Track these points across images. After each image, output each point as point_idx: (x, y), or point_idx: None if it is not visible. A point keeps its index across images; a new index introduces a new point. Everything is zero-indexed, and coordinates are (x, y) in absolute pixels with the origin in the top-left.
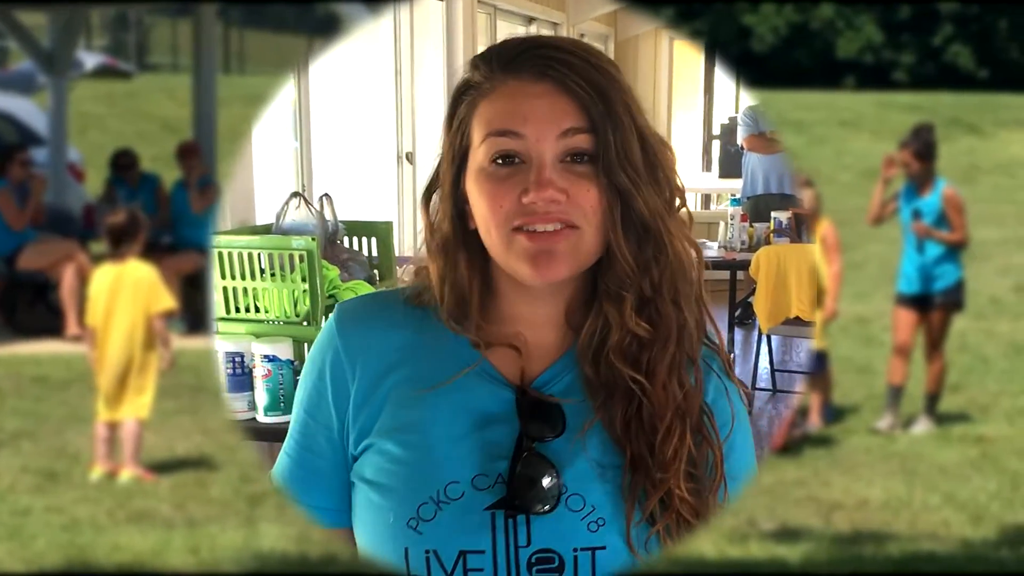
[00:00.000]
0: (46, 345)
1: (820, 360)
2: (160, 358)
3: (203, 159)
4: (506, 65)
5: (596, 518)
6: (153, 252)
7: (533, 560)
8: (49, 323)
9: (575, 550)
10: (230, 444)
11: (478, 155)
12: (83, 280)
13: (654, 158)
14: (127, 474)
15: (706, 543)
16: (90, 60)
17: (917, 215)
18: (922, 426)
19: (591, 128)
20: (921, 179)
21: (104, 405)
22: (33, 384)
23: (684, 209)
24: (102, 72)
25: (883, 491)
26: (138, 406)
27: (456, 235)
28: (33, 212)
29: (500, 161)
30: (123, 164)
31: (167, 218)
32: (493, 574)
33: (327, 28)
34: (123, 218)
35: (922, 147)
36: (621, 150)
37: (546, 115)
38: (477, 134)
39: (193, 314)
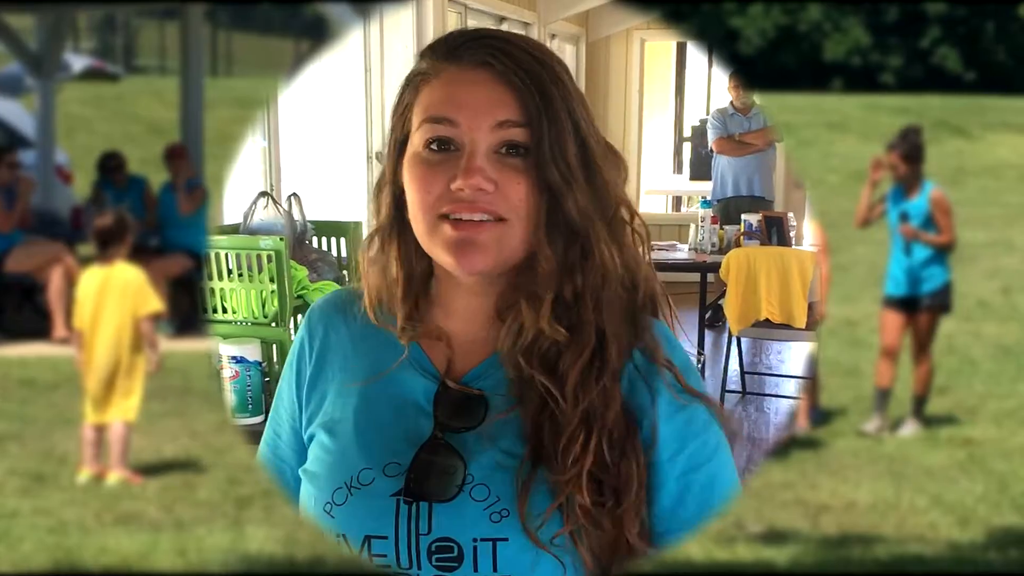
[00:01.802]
0: (33, 347)
1: (808, 362)
2: (147, 360)
3: (190, 161)
4: (448, 53)
5: (500, 509)
6: (140, 254)
7: (433, 548)
8: (36, 325)
9: (475, 540)
10: (218, 446)
11: (414, 140)
12: (71, 282)
13: (592, 161)
14: (114, 476)
15: (693, 545)
16: (77, 62)
17: (904, 217)
18: (909, 428)
19: (527, 122)
20: (908, 181)
21: (91, 407)
22: (20, 386)
23: (637, 220)
24: (89, 74)
25: (870, 493)
26: (125, 408)
27: (392, 223)
28: (21, 214)
29: (434, 147)
30: (110, 166)
31: (154, 220)
32: (396, 560)
33: (314, 31)
34: (110, 220)
35: (909, 149)
36: (556, 146)
37: (481, 104)
38: (415, 120)
39: (181, 316)
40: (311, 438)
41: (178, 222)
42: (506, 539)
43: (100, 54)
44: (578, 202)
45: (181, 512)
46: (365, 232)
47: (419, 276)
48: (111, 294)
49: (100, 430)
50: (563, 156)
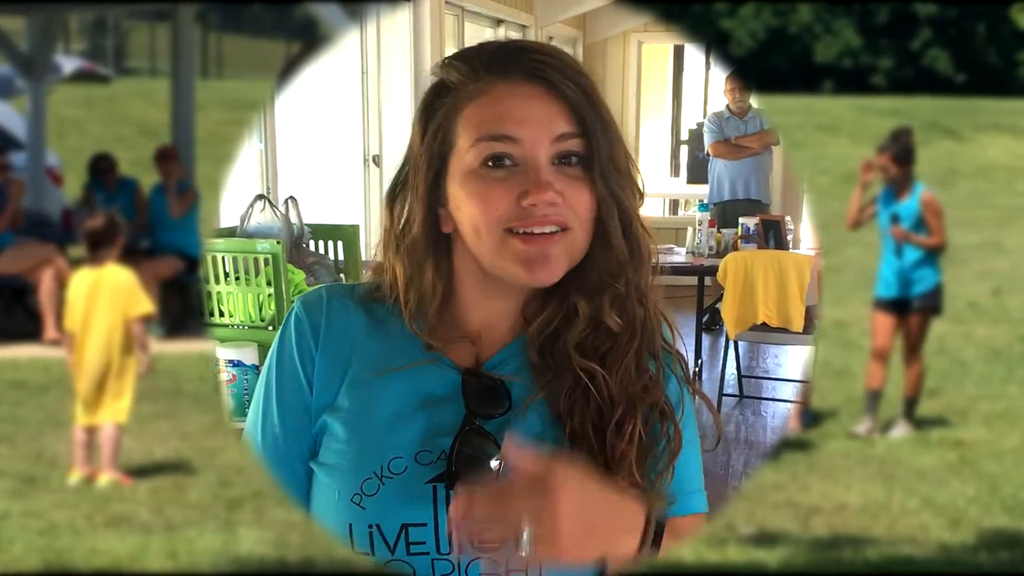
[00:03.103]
0: (24, 349)
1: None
2: (138, 362)
3: (181, 163)
4: (492, 67)
5: None
6: (131, 256)
7: None
8: (27, 327)
9: None
10: (208, 448)
11: (467, 158)
12: (61, 284)
13: (630, 159)
14: (105, 478)
15: (684, 547)
16: (68, 64)
17: (895, 219)
18: (900, 430)
19: (583, 132)
20: (899, 183)
21: (82, 409)
22: (11, 388)
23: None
24: (80, 76)
25: (861, 495)
26: (116, 410)
27: (427, 239)
28: (11, 216)
29: (491, 163)
30: (101, 168)
31: (145, 222)
32: (435, 547)
33: (305, 32)
34: (101, 222)
35: (900, 151)
36: (610, 154)
37: (540, 119)
38: (464, 137)
39: (171, 318)
40: (321, 427)
41: (169, 224)
42: None
43: (91, 56)
44: (630, 203)
45: (172, 514)
46: (363, 235)
47: (448, 288)
48: (102, 296)
49: (91, 432)
50: (615, 162)
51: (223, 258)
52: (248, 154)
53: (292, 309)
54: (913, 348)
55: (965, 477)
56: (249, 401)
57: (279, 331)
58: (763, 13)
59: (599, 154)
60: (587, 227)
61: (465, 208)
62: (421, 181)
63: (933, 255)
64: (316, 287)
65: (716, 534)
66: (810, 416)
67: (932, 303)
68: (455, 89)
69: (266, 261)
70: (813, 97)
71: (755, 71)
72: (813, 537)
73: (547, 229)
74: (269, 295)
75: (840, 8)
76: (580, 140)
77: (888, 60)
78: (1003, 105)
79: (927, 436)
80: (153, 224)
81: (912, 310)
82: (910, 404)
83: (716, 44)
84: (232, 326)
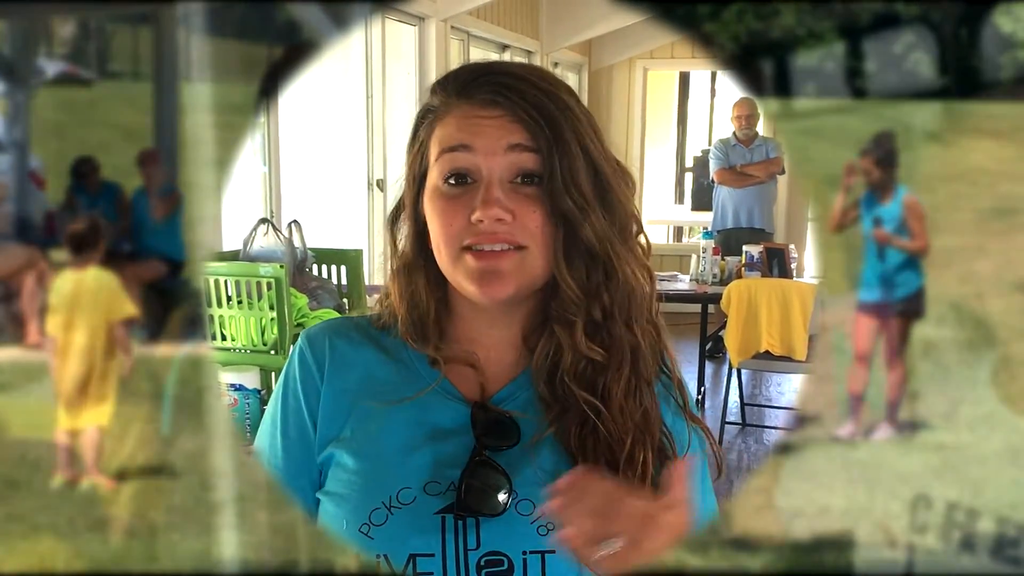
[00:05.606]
0: (6, 352)
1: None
2: (121, 366)
3: (164, 167)
4: (460, 90)
5: (546, 522)
6: (114, 260)
7: (482, 563)
8: (9, 331)
9: (524, 553)
10: (191, 451)
11: (433, 175)
12: (44, 287)
13: (605, 183)
14: (88, 482)
15: (665, 552)
16: (51, 68)
17: (878, 223)
18: (883, 433)
19: (538, 149)
20: (882, 187)
21: (65, 413)
22: None
23: (642, 236)
24: (63, 80)
25: (844, 499)
26: (99, 414)
27: (416, 255)
28: None
29: (452, 181)
30: (84, 172)
31: (128, 226)
32: None
33: (288, 36)
34: (84, 226)
35: (883, 155)
36: (568, 176)
37: (495, 132)
38: (433, 155)
39: (154, 322)
40: (327, 459)
41: (152, 227)
42: (554, 551)
43: (73, 60)
44: (595, 227)
45: (154, 517)
46: (366, 260)
47: (444, 305)
48: (84, 299)
49: (73, 435)
50: (576, 185)
51: (226, 282)
52: (252, 177)
53: (297, 344)
54: (896, 351)
55: (948, 480)
56: (250, 425)
57: (284, 365)
58: (746, 16)
59: (552, 177)
60: (544, 247)
61: (431, 225)
62: (408, 199)
63: (916, 258)
64: (320, 321)
65: (698, 538)
66: (793, 420)
67: (914, 306)
68: (432, 111)
69: (269, 285)
70: (796, 101)
71: (737, 74)
72: (795, 541)
73: (497, 247)
74: (272, 319)
75: (823, 11)
76: (535, 156)
77: (871, 63)
78: (986, 109)
79: (910, 439)
80: (136, 228)
81: (895, 313)
82: (893, 407)
83: (698, 47)
84: (234, 350)
